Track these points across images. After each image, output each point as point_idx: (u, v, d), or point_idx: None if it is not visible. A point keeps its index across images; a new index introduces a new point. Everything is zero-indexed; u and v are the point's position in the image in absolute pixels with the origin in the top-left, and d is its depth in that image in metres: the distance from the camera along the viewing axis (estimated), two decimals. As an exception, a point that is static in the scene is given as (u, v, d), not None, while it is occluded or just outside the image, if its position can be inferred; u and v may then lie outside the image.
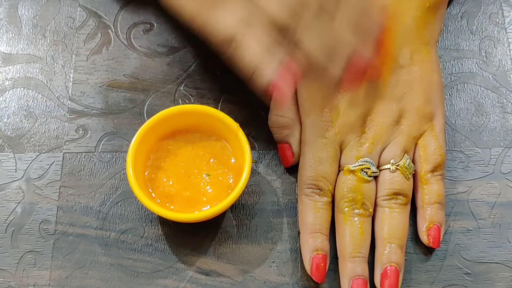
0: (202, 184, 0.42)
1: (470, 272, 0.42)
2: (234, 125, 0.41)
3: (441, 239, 0.42)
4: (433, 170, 0.42)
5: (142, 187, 0.40)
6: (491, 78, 0.48)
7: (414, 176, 0.42)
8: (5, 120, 0.46)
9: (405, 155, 0.42)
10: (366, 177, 0.41)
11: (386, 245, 0.40)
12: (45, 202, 0.43)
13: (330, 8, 0.36)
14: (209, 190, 0.41)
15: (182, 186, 0.41)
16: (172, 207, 0.41)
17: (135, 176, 0.40)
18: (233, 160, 0.42)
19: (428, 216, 0.41)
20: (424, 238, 0.42)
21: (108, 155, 0.45)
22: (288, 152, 0.43)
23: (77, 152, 0.45)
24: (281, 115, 0.43)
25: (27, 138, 0.45)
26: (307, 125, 0.42)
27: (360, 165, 0.41)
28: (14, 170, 0.44)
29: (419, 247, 0.42)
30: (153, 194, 0.41)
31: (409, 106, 0.42)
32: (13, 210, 0.43)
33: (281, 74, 0.35)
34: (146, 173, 0.42)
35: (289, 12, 0.35)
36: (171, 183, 0.41)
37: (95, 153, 0.45)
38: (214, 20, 0.36)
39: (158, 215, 0.43)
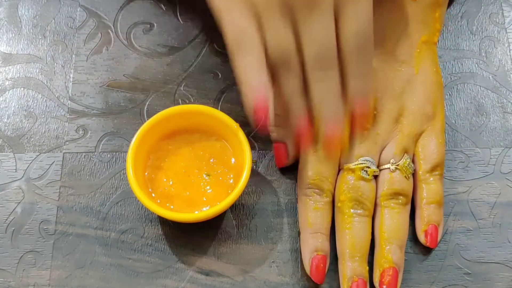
0: (202, 184, 0.42)
1: (470, 272, 0.42)
2: (234, 125, 0.41)
3: (439, 239, 0.42)
4: (431, 170, 0.42)
5: (142, 187, 0.40)
6: (491, 78, 0.48)
7: (414, 175, 0.42)
8: (5, 120, 0.46)
9: (405, 154, 0.42)
10: (366, 177, 0.41)
11: (386, 245, 0.40)
12: (45, 202, 0.43)
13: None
14: (209, 190, 0.41)
15: (182, 186, 0.41)
16: (172, 207, 0.41)
17: (135, 176, 0.40)
18: (233, 160, 0.42)
19: (426, 215, 0.41)
20: (421, 237, 0.42)
21: (108, 155, 0.45)
22: (283, 152, 0.43)
23: (77, 152, 0.45)
24: (280, 114, 0.43)
25: (27, 138, 0.45)
26: (307, 125, 0.42)
27: (360, 164, 0.41)
28: (14, 170, 0.44)
29: (419, 247, 0.42)
30: (153, 194, 0.41)
31: (409, 104, 0.42)
32: (13, 210, 0.43)
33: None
34: (146, 173, 0.42)
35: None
36: (171, 183, 0.41)
37: (95, 153, 0.45)
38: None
39: (158, 215, 0.43)
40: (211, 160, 0.42)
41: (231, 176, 0.42)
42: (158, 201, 0.41)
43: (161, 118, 0.42)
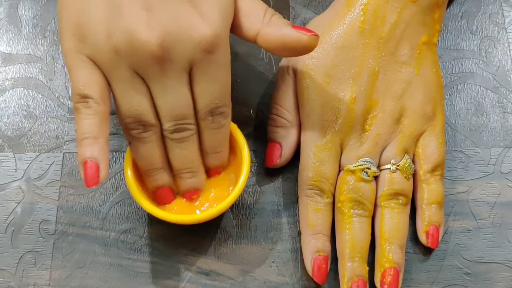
0: (202, 184, 0.41)
1: (470, 272, 0.42)
2: (234, 125, 0.41)
3: (440, 239, 0.42)
4: (432, 170, 0.42)
5: (140, 188, 0.40)
6: (491, 78, 0.48)
7: (414, 175, 0.42)
8: (5, 120, 0.46)
9: (406, 155, 0.42)
10: (367, 178, 0.41)
11: (386, 245, 0.40)
12: (45, 202, 0.43)
13: None
14: (209, 191, 0.41)
15: (182, 186, 0.41)
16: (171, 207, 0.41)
17: (134, 177, 0.40)
18: (232, 160, 0.42)
19: (427, 216, 0.41)
20: (423, 238, 0.42)
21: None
22: (277, 152, 0.43)
23: (77, 152, 0.45)
24: (280, 115, 0.43)
25: (27, 138, 0.45)
26: (308, 125, 0.42)
27: (360, 165, 0.41)
28: (14, 170, 0.44)
29: (419, 247, 0.42)
30: (152, 194, 0.41)
31: (410, 105, 0.42)
32: (13, 210, 0.43)
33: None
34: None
35: None
36: (171, 183, 0.41)
37: (95, 153, 0.45)
38: None
39: (158, 215, 0.43)
40: (211, 160, 0.42)
41: (231, 176, 0.42)
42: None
43: (161, 118, 0.41)
